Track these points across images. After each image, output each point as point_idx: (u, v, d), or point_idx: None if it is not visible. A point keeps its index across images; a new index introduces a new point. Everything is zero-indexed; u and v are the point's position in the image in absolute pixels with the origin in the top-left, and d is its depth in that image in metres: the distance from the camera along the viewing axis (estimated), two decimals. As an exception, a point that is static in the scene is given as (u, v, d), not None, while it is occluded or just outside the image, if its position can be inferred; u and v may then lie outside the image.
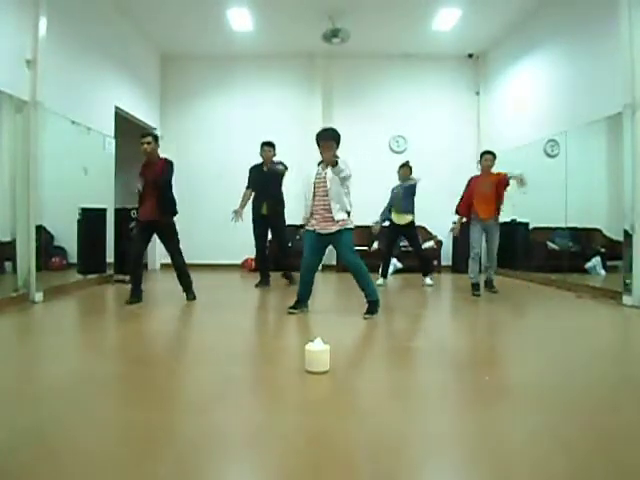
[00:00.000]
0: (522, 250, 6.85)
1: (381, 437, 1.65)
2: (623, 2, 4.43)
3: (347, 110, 8.17)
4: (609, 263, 5.57)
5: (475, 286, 5.06)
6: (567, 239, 6.00)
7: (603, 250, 5.63)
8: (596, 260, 5.69)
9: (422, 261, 5.95)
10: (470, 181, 5.31)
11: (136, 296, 4.39)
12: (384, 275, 5.95)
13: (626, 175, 4.46)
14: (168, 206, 4.38)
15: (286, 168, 5.55)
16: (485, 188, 5.08)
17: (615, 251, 5.06)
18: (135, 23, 6.91)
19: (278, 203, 5.52)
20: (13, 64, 4.36)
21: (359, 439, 1.62)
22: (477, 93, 8.18)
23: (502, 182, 5.06)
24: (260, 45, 7.65)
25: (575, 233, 5.93)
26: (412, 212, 5.69)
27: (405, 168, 5.83)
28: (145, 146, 4.31)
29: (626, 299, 4.36)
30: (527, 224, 6.71)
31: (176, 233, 4.50)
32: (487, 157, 5.20)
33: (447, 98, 8.18)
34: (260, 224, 5.50)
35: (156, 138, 4.41)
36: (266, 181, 5.47)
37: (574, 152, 5.76)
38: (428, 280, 5.82)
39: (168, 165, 4.37)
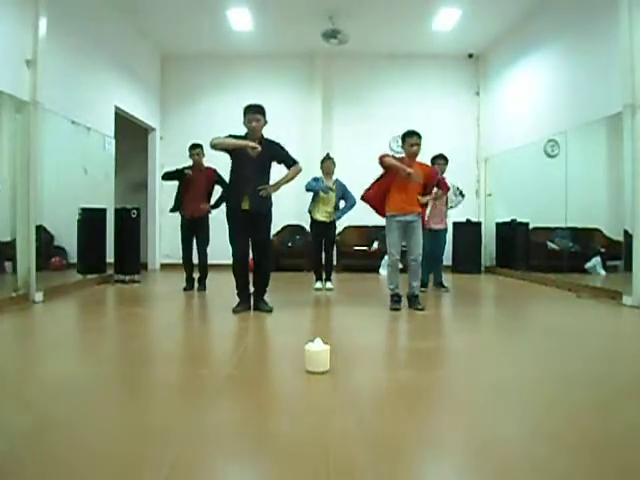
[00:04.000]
0: (522, 250, 6.85)
1: (381, 437, 1.65)
2: (623, 2, 4.43)
3: (347, 110, 8.18)
4: (609, 263, 5.57)
5: (394, 297, 4.12)
6: (567, 239, 6.01)
7: (603, 250, 5.64)
8: (596, 260, 5.69)
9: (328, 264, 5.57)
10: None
11: (191, 284, 5.37)
12: (320, 277, 5.51)
13: (626, 175, 4.46)
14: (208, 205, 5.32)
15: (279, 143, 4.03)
16: (413, 177, 3.97)
17: (615, 251, 5.07)
18: (135, 23, 6.92)
19: (265, 197, 3.88)
20: (13, 64, 4.36)
21: (359, 439, 1.62)
22: (477, 93, 8.18)
23: (433, 177, 4.26)
24: (260, 45, 7.65)
25: (575, 233, 5.93)
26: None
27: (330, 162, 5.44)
28: (196, 157, 5.23)
29: (626, 299, 4.36)
30: (527, 224, 6.71)
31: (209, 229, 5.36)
32: (415, 140, 4.06)
33: (447, 98, 8.18)
34: (240, 222, 3.85)
35: (202, 148, 5.19)
36: (252, 165, 3.77)
37: (574, 152, 5.76)
38: (329, 284, 5.49)
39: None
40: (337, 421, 1.78)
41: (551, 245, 6.30)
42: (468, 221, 7.68)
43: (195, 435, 1.64)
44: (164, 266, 7.95)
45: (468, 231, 7.55)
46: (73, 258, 5.58)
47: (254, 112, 3.83)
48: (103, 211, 5.81)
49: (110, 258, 5.96)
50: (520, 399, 2.04)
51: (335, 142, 8.12)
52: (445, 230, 5.40)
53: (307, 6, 6.36)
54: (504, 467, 1.44)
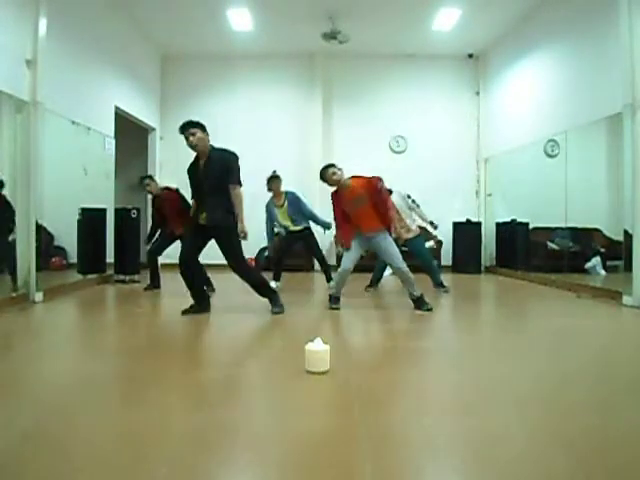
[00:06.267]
0: (522, 250, 6.85)
1: (381, 437, 1.65)
2: (623, 2, 4.43)
3: (347, 110, 8.17)
4: (609, 263, 5.58)
5: (333, 299, 4.25)
6: (567, 239, 6.01)
7: (603, 250, 5.64)
8: (596, 260, 5.70)
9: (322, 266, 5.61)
10: (333, 201, 4.21)
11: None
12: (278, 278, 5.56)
13: (626, 175, 4.46)
14: None
15: (236, 157, 3.85)
16: (355, 203, 4.01)
17: (615, 251, 5.07)
18: (135, 23, 6.92)
19: (222, 211, 3.70)
20: (13, 64, 4.36)
21: (359, 439, 1.62)
22: (477, 93, 8.18)
23: (374, 185, 4.01)
24: (260, 45, 7.65)
25: (575, 233, 5.94)
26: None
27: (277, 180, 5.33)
28: (147, 188, 5.11)
29: (626, 299, 4.36)
30: (527, 224, 6.71)
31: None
32: (332, 170, 4.07)
33: (447, 98, 8.18)
34: (193, 230, 3.87)
35: (151, 178, 5.11)
36: (205, 182, 3.72)
37: (574, 152, 5.76)
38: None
39: None
40: (337, 421, 1.78)
41: (551, 245, 6.30)
42: (468, 221, 7.68)
43: (194, 434, 1.64)
44: (164, 266, 7.92)
45: (468, 231, 7.55)
46: (73, 258, 5.58)
47: (187, 129, 3.75)
48: (103, 211, 5.81)
49: (110, 258, 5.96)
50: (520, 398, 2.04)
51: (335, 142, 8.12)
52: (418, 236, 5.13)
53: (307, 6, 6.35)
54: (504, 465, 1.44)
